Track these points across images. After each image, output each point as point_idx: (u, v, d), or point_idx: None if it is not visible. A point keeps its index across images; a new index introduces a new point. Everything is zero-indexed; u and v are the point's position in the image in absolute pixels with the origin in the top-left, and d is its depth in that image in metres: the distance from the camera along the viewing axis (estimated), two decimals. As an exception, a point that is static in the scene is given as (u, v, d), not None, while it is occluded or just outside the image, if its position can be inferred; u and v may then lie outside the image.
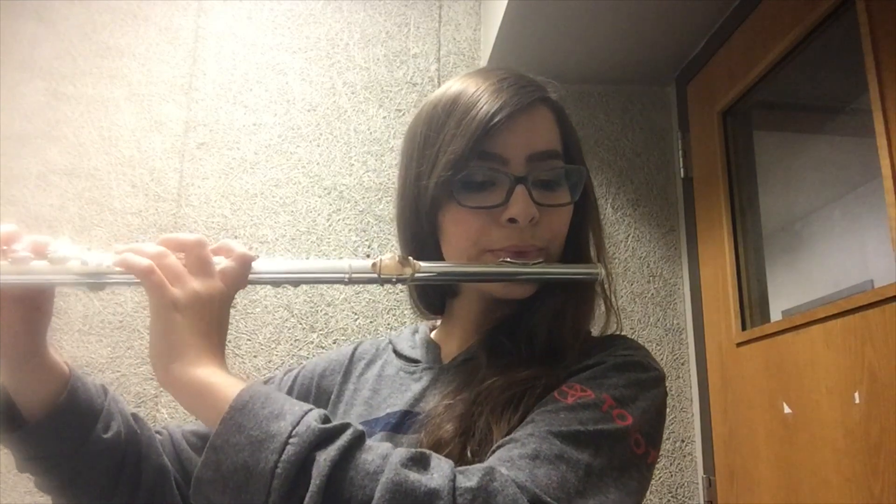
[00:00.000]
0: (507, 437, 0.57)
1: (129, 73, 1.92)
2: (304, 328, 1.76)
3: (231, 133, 1.89)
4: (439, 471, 0.50)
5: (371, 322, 1.78)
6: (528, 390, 0.62)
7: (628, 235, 1.91)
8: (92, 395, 0.66)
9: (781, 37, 1.50)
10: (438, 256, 0.71)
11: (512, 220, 0.65)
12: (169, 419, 1.68)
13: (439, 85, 2.03)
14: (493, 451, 0.56)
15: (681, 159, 1.92)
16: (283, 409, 0.51)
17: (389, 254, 0.63)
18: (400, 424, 0.69)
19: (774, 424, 1.45)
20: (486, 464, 0.52)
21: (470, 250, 0.68)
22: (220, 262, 0.61)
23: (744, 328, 1.61)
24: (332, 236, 1.84)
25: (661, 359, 1.82)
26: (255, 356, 1.73)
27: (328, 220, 1.85)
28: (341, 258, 1.82)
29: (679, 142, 1.93)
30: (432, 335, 0.81)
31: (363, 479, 0.48)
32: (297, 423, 0.50)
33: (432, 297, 0.79)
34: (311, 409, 0.52)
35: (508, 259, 0.66)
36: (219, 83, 1.93)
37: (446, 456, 0.57)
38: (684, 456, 1.76)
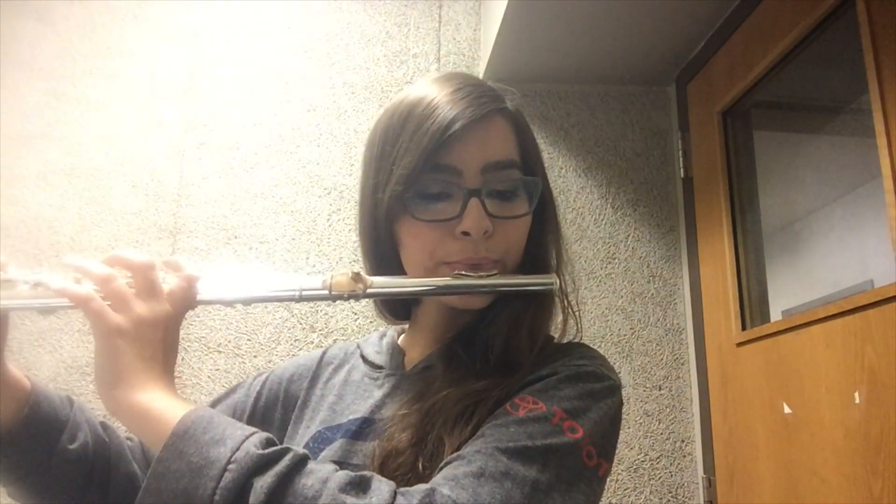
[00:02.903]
0: (455, 454, 0.56)
1: (129, 73, 1.92)
2: (304, 328, 1.76)
3: (231, 133, 1.89)
4: (378, 495, 0.50)
5: (371, 322, 1.78)
6: (480, 402, 0.62)
7: (628, 235, 1.91)
8: (56, 408, 0.67)
9: (781, 37, 1.50)
10: (398, 266, 0.71)
11: (466, 233, 0.65)
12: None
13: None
14: (441, 468, 0.56)
15: (681, 159, 1.92)
16: (224, 435, 0.52)
17: (342, 270, 0.64)
18: (359, 432, 0.70)
19: (774, 424, 1.45)
20: (429, 484, 0.52)
21: (426, 262, 0.67)
22: (170, 282, 0.62)
23: (744, 328, 1.61)
24: (332, 236, 1.84)
25: (662, 359, 1.82)
26: (255, 356, 1.73)
27: (328, 220, 1.85)
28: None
29: (679, 142, 1.93)
30: (400, 340, 0.81)
31: None
32: (237, 449, 0.50)
33: (395, 306, 0.79)
34: (252, 434, 0.52)
35: (463, 272, 0.65)
36: (219, 83, 1.93)
37: (399, 466, 0.58)
38: (684, 456, 1.76)
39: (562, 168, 1.95)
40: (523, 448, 0.55)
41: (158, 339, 0.58)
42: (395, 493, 0.51)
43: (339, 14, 2.02)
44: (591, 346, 0.72)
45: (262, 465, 0.50)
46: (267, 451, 0.51)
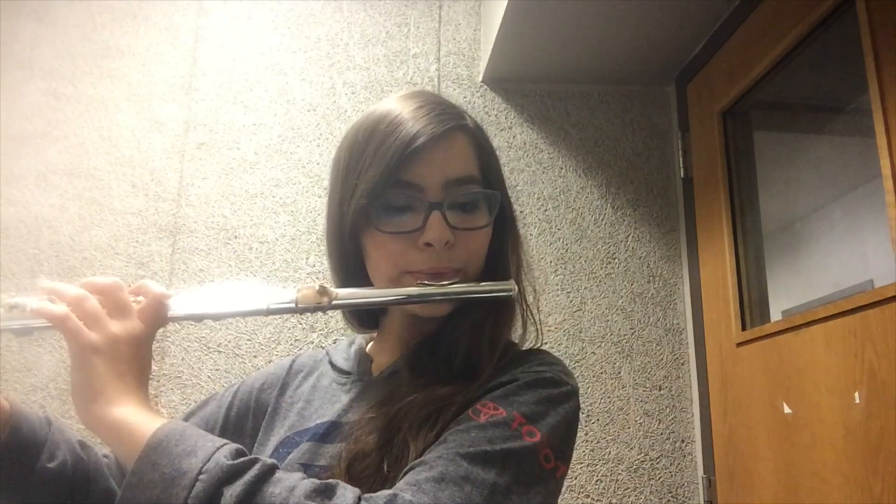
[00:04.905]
0: (418, 461, 0.59)
1: (129, 73, 1.92)
2: (304, 328, 1.76)
3: (231, 133, 1.89)
4: (342, 500, 0.52)
5: (371, 322, 1.78)
6: (444, 408, 0.65)
7: (628, 235, 1.91)
8: (35, 429, 0.69)
9: (781, 37, 1.50)
10: (364, 276, 0.74)
11: (428, 244, 0.68)
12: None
13: (439, 85, 2.04)
14: (405, 474, 0.58)
15: (681, 159, 1.92)
16: (195, 446, 0.54)
17: (309, 284, 0.67)
18: (326, 434, 0.72)
19: (774, 424, 1.45)
20: (391, 490, 0.55)
21: (391, 272, 0.70)
22: (141, 302, 0.64)
23: (744, 328, 1.61)
24: (332, 236, 1.83)
25: (662, 359, 1.82)
26: (254, 356, 1.73)
27: (328, 220, 1.85)
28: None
29: (679, 142, 1.93)
30: (368, 348, 0.84)
31: None
32: (208, 460, 0.52)
33: (363, 316, 0.82)
34: (223, 445, 0.55)
35: (426, 282, 0.68)
36: (219, 83, 1.93)
37: (365, 468, 0.61)
38: (684, 456, 1.76)
39: (562, 168, 1.95)
40: (483, 453, 0.58)
41: (132, 356, 0.61)
42: (360, 498, 0.53)
43: (339, 14, 2.02)
44: (550, 352, 0.75)
45: (231, 474, 0.52)
46: (236, 461, 0.53)
